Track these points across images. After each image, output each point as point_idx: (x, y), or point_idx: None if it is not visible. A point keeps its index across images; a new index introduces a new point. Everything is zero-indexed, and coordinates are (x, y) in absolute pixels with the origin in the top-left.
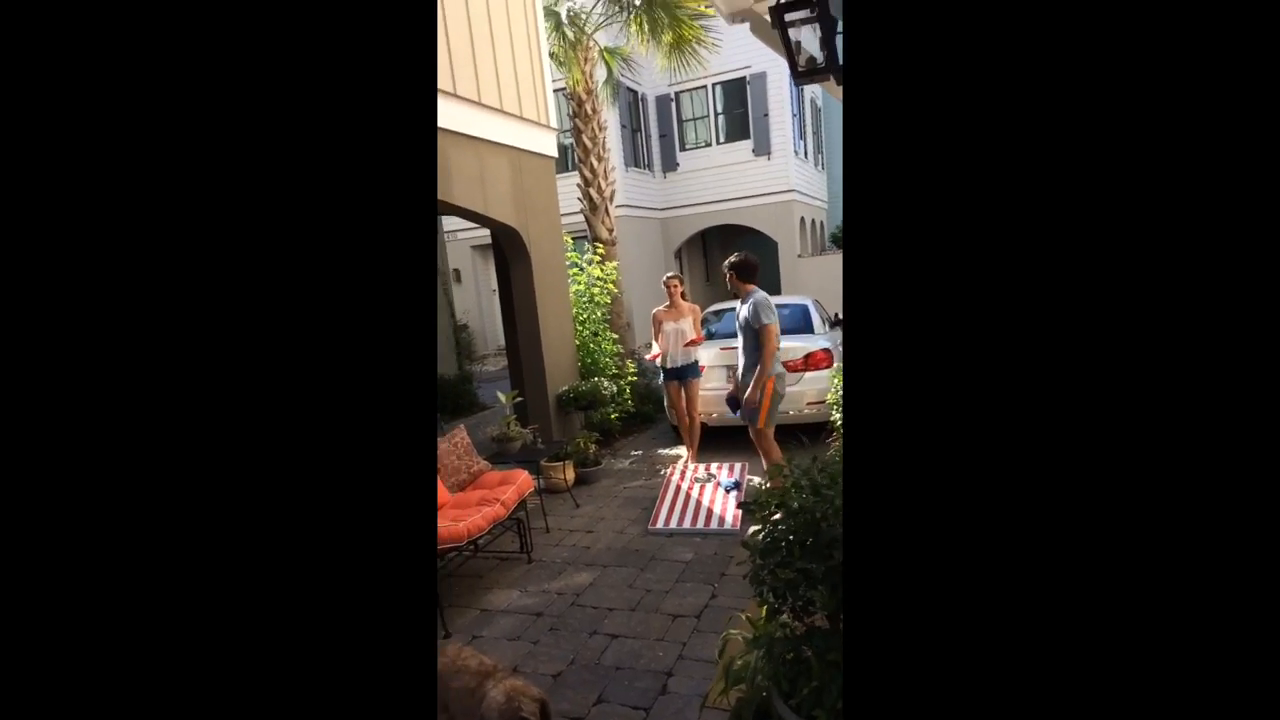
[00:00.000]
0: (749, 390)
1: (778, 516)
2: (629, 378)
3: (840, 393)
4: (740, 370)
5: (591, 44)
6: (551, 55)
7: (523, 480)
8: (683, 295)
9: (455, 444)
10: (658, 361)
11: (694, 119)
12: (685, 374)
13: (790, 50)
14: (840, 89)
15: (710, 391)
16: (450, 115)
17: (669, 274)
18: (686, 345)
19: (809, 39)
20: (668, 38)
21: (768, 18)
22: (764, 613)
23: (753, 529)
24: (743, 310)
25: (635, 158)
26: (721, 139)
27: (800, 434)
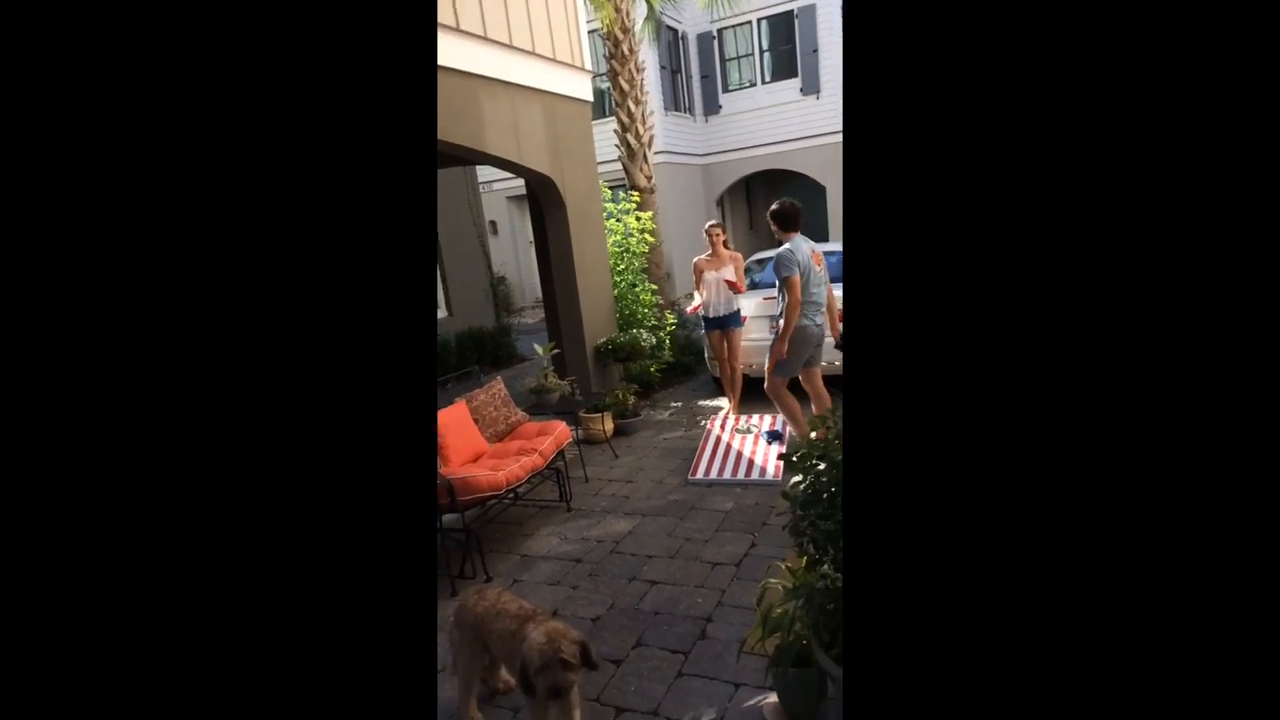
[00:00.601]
0: (774, 342)
1: (821, 468)
2: (668, 329)
3: None
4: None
5: None
6: None
7: (560, 431)
8: (725, 244)
9: (493, 395)
10: (699, 313)
11: (738, 58)
12: (727, 323)
13: None
14: None
15: (752, 342)
16: (482, 59)
17: (711, 222)
18: (726, 284)
19: None
20: None
21: None
22: (804, 563)
23: (794, 480)
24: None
25: (675, 101)
26: (767, 78)
27: (832, 387)
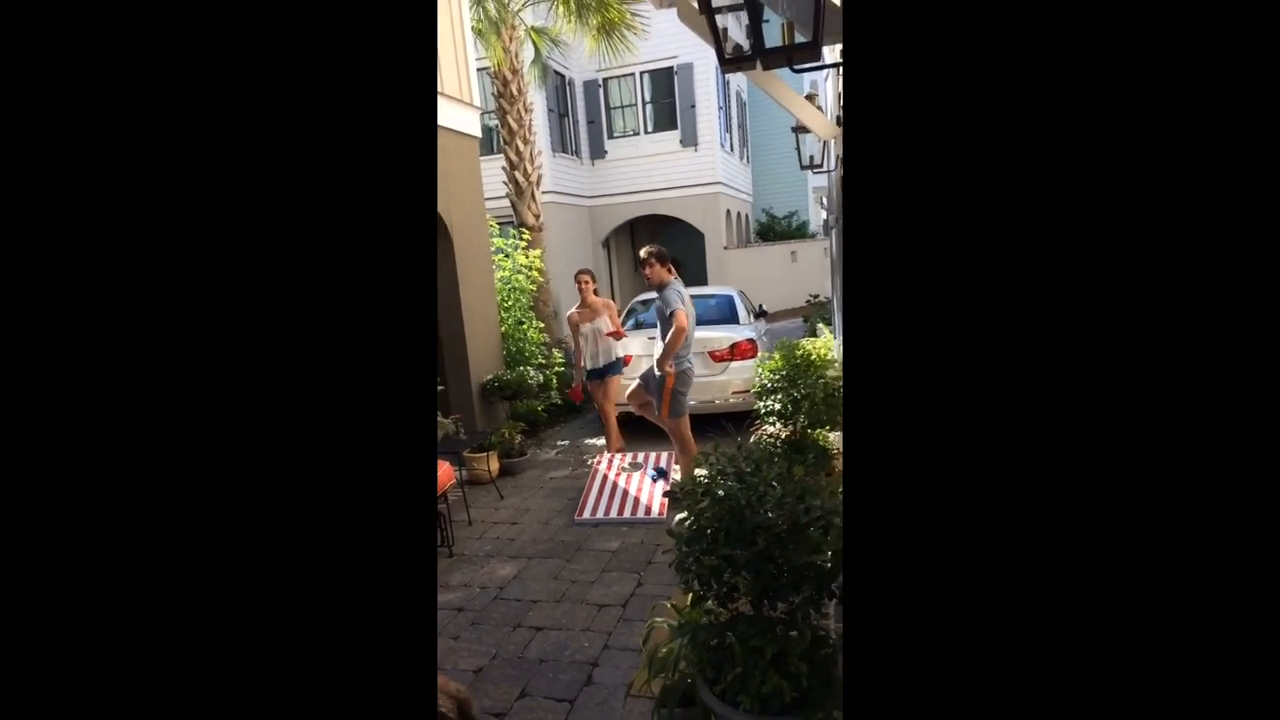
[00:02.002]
0: (658, 381)
1: (703, 505)
2: (555, 368)
3: (762, 382)
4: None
5: (518, 22)
6: (475, 30)
7: (443, 472)
8: (595, 292)
9: None
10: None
11: (622, 106)
12: (609, 371)
13: (718, 37)
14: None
15: (636, 380)
16: None
17: (580, 270)
18: (609, 335)
19: (735, 27)
20: (596, 20)
21: (695, 4)
22: (689, 600)
23: (679, 517)
24: (657, 299)
25: (563, 143)
26: (650, 128)
27: (726, 422)
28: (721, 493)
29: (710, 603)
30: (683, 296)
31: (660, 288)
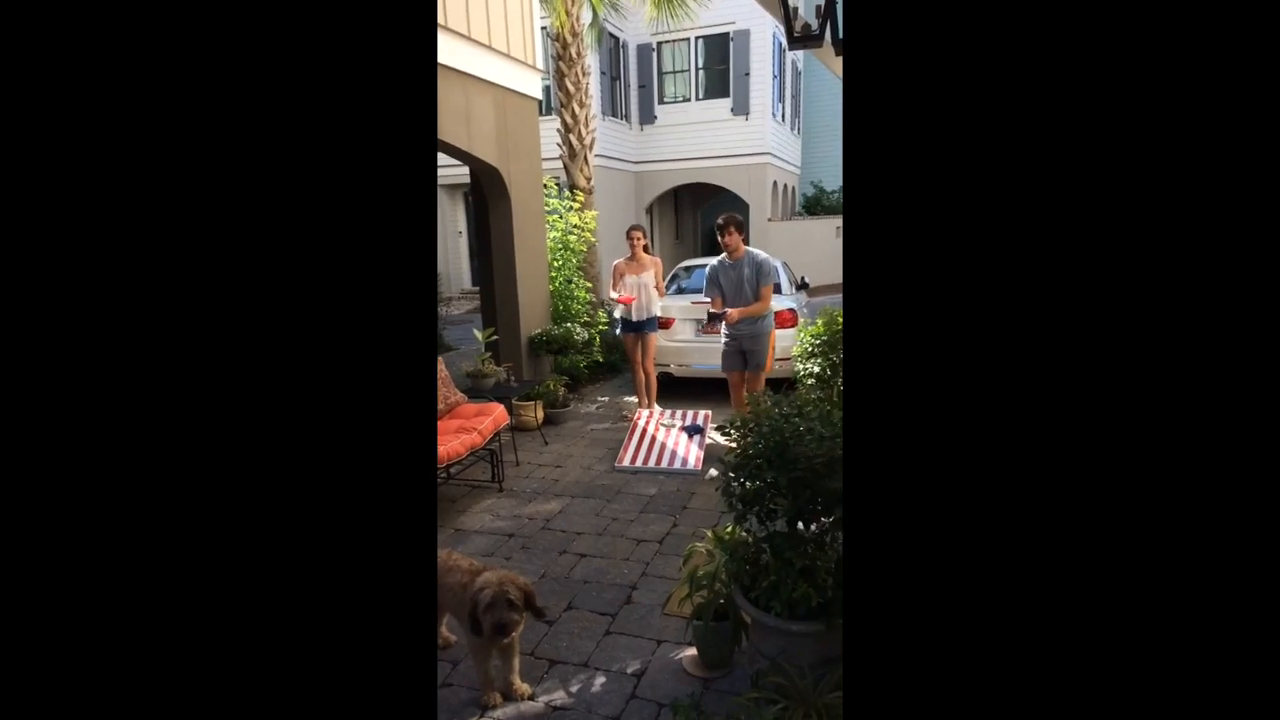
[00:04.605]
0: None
1: (750, 438)
2: (599, 326)
3: (804, 347)
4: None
5: None
6: None
7: (499, 413)
8: (645, 249)
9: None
10: (619, 311)
11: (674, 72)
12: (644, 328)
13: (788, 14)
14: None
15: (677, 343)
16: (441, 48)
17: (632, 225)
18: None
19: (806, 5)
20: None
21: None
22: (730, 525)
23: (728, 448)
24: (744, 264)
25: (613, 107)
26: (701, 95)
27: (767, 387)
28: (768, 427)
29: (751, 521)
30: (778, 274)
31: (732, 253)
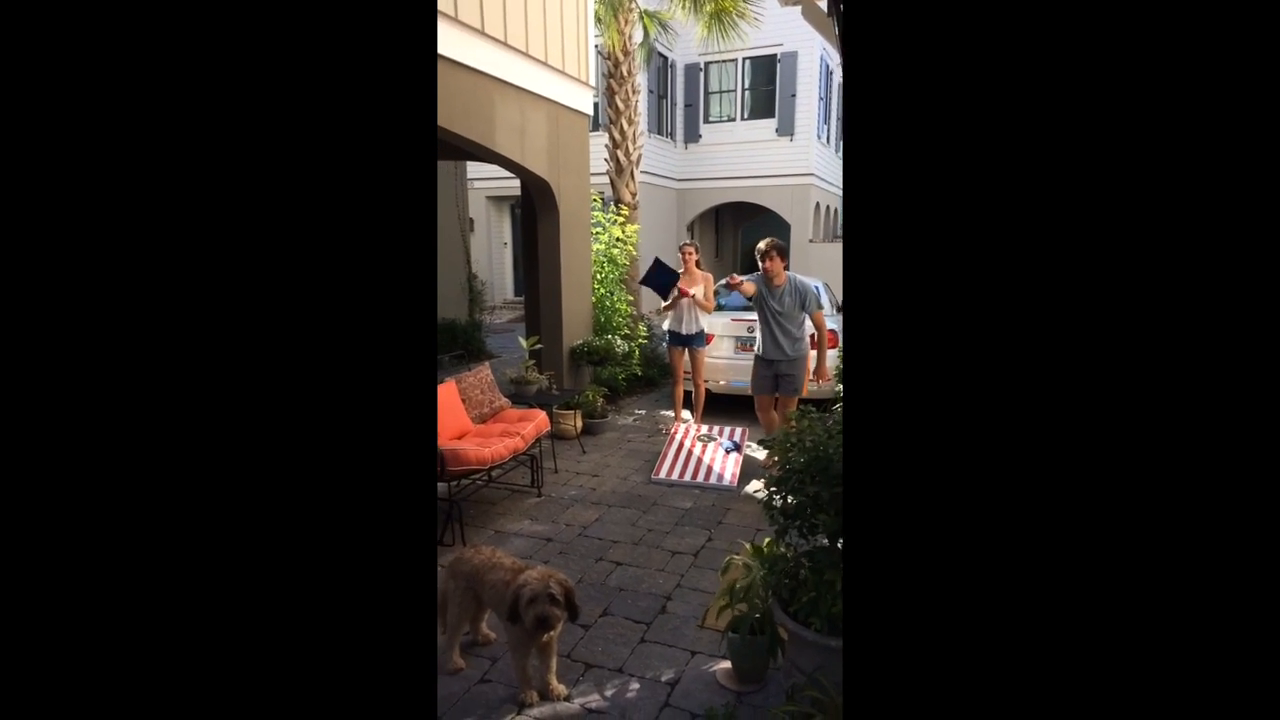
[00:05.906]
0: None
1: (793, 453)
2: (639, 340)
3: (843, 368)
4: (773, 345)
5: (633, 5)
6: (595, 15)
7: (541, 419)
8: (697, 264)
9: (480, 379)
10: (668, 323)
11: (720, 91)
12: (692, 341)
13: (844, 38)
14: None
15: (718, 359)
16: (496, 62)
17: (685, 241)
18: (694, 301)
19: None
20: (709, 7)
21: (821, 3)
22: (769, 541)
23: (766, 464)
24: (785, 293)
25: (659, 125)
26: (746, 115)
27: (811, 405)
28: (809, 442)
29: (792, 535)
30: (821, 296)
31: (774, 280)
